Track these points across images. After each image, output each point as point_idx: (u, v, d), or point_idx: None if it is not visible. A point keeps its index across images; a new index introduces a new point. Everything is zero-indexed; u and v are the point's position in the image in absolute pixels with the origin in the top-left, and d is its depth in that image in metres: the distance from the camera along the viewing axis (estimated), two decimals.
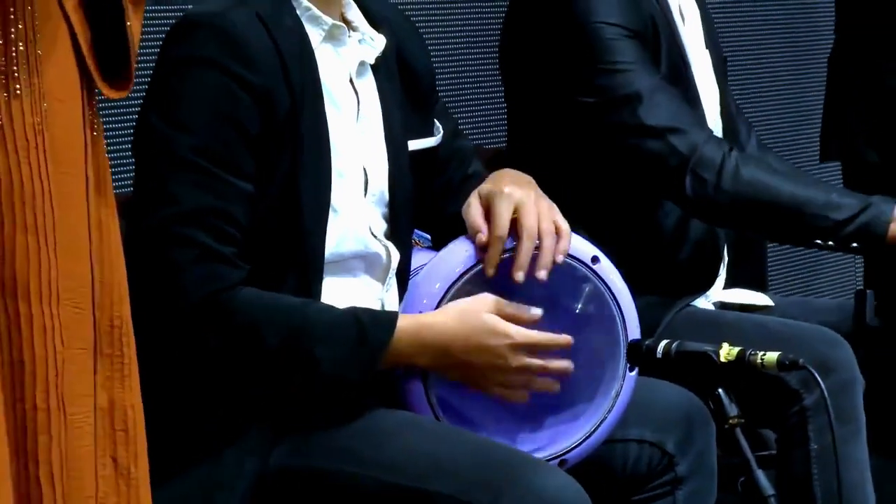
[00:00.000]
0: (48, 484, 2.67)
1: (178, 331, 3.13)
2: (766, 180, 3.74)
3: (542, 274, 3.21)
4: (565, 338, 3.21)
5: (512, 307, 3.20)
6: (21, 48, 2.68)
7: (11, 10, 2.65)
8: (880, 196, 3.72)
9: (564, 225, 3.26)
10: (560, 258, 3.23)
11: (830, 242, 3.75)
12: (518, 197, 3.27)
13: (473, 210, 3.29)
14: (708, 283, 3.89)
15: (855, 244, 3.73)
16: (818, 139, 4.49)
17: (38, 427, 2.67)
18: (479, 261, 3.26)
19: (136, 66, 2.80)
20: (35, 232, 2.67)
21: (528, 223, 3.24)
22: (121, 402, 2.77)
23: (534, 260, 3.22)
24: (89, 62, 2.75)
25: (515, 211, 3.25)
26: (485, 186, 3.31)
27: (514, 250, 3.24)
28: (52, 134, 2.68)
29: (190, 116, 3.14)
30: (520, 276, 3.21)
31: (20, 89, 2.67)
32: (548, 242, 3.23)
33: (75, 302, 2.71)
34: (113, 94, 2.78)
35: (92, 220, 2.75)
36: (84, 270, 2.73)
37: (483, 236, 3.25)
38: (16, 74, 2.66)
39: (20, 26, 2.68)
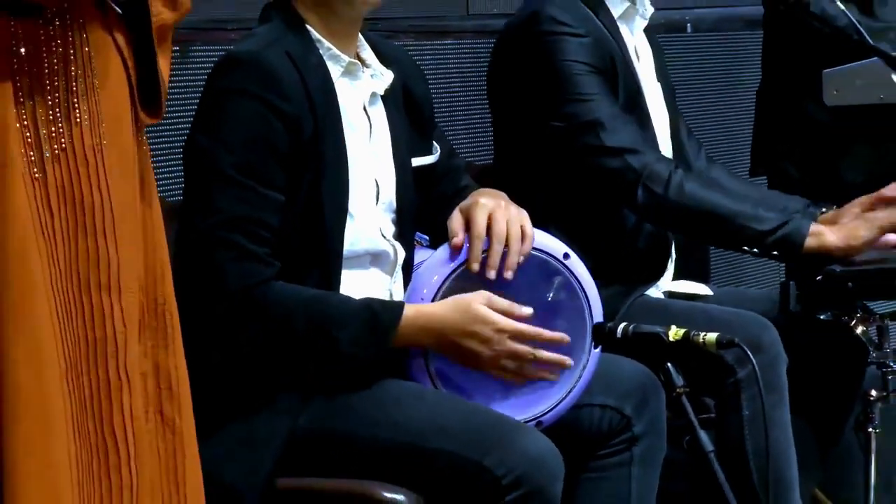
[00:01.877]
0: (123, 432, 2.67)
1: (220, 317, 3.11)
2: (705, 194, 3.72)
3: (508, 274, 3.22)
4: (559, 334, 3.21)
5: (504, 303, 3.18)
6: (80, 81, 2.66)
7: (71, 50, 2.64)
8: (803, 212, 3.72)
9: (529, 230, 3.25)
10: (522, 258, 3.21)
11: (755, 249, 3.75)
12: (491, 206, 3.26)
13: (454, 219, 3.29)
14: (659, 273, 3.85)
15: (775, 252, 3.73)
16: (749, 156, 4.47)
17: (119, 389, 2.66)
18: (464, 260, 3.25)
19: (166, 97, 2.78)
20: (95, 235, 2.66)
21: (498, 229, 3.23)
22: (165, 365, 2.77)
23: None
24: (137, 99, 2.73)
25: (489, 218, 3.25)
26: (465, 202, 3.31)
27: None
28: (109, 151, 2.67)
29: (231, 138, 3.11)
30: (491, 273, 3.22)
31: (79, 117, 2.66)
32: (514, 246, 3.22)
33: (133, 290, 2.70)
34: (149, 120, 2.77)
35: (143, 219, 2.74)
36: (139, 263, 2.72)
37: (458, 240, 3.25)
38: (76, 104, 2.66)
39: (80, 62, 2.67)
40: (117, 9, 2.69)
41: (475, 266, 3.23)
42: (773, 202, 3.81)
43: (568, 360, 3.22)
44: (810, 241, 3.68)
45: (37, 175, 2.61)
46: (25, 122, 2.61)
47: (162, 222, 2.80)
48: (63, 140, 2.64)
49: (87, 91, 2.67)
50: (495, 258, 3.22)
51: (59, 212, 2.63)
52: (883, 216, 3.72)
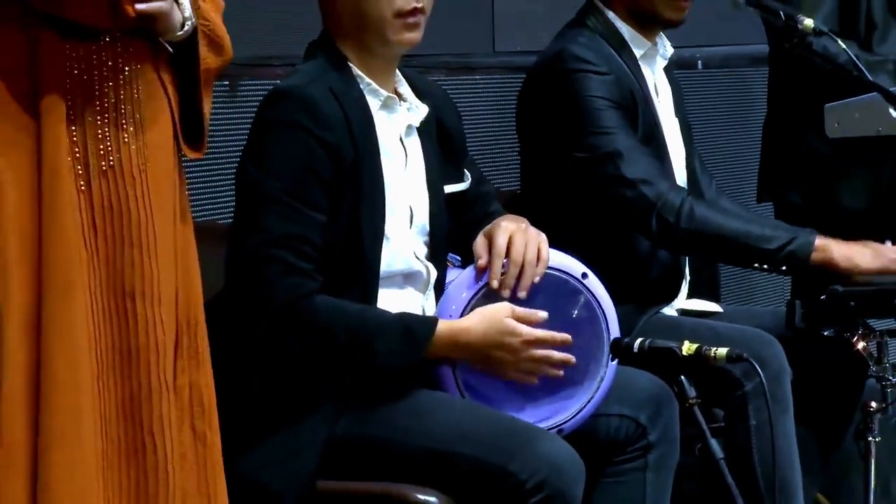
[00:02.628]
0: (161, 436, 2.66)
1: (268, 328, 3.10)
2: (715, 219, 3.70)
3: (522, 293, 3.22)
4: (564, 336, 3.20)
5: (523, 311, 3.18)
6: (128, 106, 2.66)
7: (121, 77, 2.65)
8: (807, 230, 3.70)
9: (545, 253, 3.25)
10: (537, 279, 3.21)
11: (766, 266, 3.74)
12: (511, 229, 3.26)
13: (478, 242, 3.29)
14: (673, 295, 3.84)
15: (784, 267, 3.71)
16: (756, 184, 4.44)
17: (157, 395, 2.65)
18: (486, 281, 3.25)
19: (207, 134, 2.80)
20: (139, 247, 2.66)
21: (515, 251, 3.22)
22: (197, 383, 2.77)
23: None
24: (179, 133, 2.75)
25: (509, 240, 3.25)
26: (488, 226, 3.31)
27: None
28: (152, 174, 2.68)
29: (278, 164, 3.12)
30: (506, 292, 3.21)
31: (127, 138, 2.65)
32: (528, 269, 3.22)
33: (170, 304, 2.70)
34: (192, 155, 2.78)
35: (178, 243, 2.74)
36: (173, 278, 2.71)
37: (482, 262, 3.25)
38: (124, 125, 2.66)
39: (128, 89, 2.67)
40: (168, 48, 2.71)
41: (495, 283, 3.23)
42: (777, 223, 3.81)
43: (572, 357, 3.20)
44: (816, 255, 3.66)
45: (83, 187, 2.62)
46: (75, 138, 2.62)
47: (195, 248, 2.80)
48: (111, 157, 2.64)
49: (133, 116, 2.67)
50: (510, 279, 3.23)
51: (102, 224, 2.64)
52: (891, 257, 3.71)
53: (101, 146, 2.64)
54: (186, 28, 2.70)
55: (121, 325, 2.65)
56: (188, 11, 2.70)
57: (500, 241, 3.24)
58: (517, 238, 3.24)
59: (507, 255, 3.23)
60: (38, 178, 2.58)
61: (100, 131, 2.64)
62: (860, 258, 3.69)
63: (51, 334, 2.56)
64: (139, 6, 2.61)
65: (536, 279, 3.23)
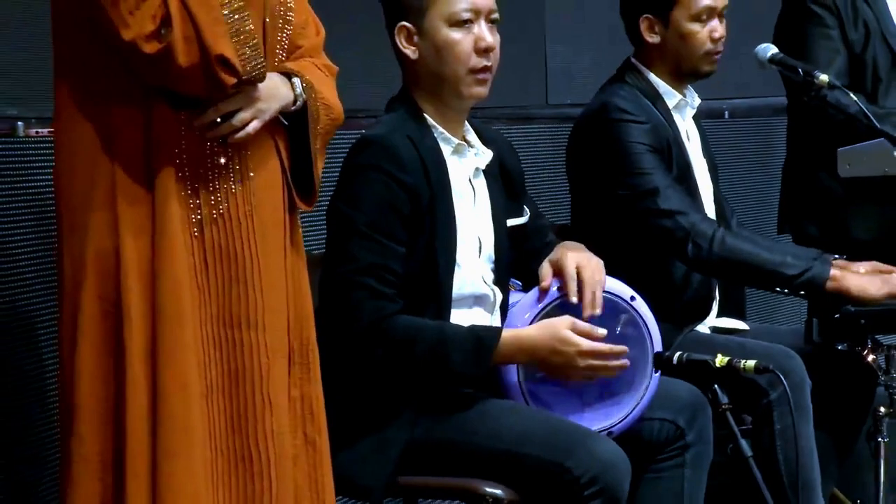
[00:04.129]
0: (265, 446, 2.65)
1: (356, 345, 3.11)
2: (743, 247, 3.68)
3: (597, 311, 3.20)
4: (622, 348, 3.17)
5: (585, 326, 3.16)
6: (235, 162, 2.65)
7: (230, 150, 2.64)
8: (823, 258, 3.68)
9: (604, 277, 3.24)
10: (600, 302, 3.21)
11: (786, 290, 3.73)
12: (578, 257, 3.25)
13: (544, 267, 3.27)
14: (705, 314, 3.83)
15: (802, 292, 3.70)
16: (776, 217, 4.43)
17: (261, 411, 2.65)
18: (551, 301, 3.23)
19: (318, 189, 2.79)
20: (245, 283, 2.65)
21: (586, 276, 3.21)
22: (308, 394, 2.76)
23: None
24: (291, 186, 2.74)
25: (578, 266, 3.24)
26: (554, 254, 3.29)
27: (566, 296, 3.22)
28: (259, 218, 2.67)
29: (364, 204, 3.13)
30: (587, 312, 3.19)
31: (235, 190, 2.65)
32: (598, 291, 3.21)
33: (276, 329, 2.69)
34: (304, 207, 2.78)
35: (289, 272, 2.73)
36: (282, 307, 2.70)
37: (546, 283, 3.23)
38: (232, 178, 2.65)
39: (238, 153, 2.66)
40: (283, 121, 2.72)
41: (574, 299, 3.20)
42: (797, 252, 3.77)
43: (627, 362, 3.17)
44: (831, 284, 3.64)
45: (196, 233, 2.61)
46: (189, 190, 2.61)
47: (307, 277, 2.79)
48: (220, 207, 2.63)
49: (241, 170, 2.66)
50: (589, 298, 3.20)
51: (213, 264, 2.63)
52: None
53: (212, 197, 2.63)
54: (298, 104, 2.71)
55: (229, 351, 2.64)
56: (299, 89, 2.71)
57: (570, 267, 3.22)
58: (584, 264, 3.23)
59: (578, 278, 3.21)
60: (153, 228, 2.57)
61: (210, 185, 2.62)
62: (871, 287, 3.66)
63: (164, 361, 2.56)
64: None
65: (600, 301, 3.21)
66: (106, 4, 2.49)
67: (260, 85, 2.63)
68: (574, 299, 3.20)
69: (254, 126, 2.63)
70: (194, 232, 2.61)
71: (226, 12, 2.53)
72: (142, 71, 2.54)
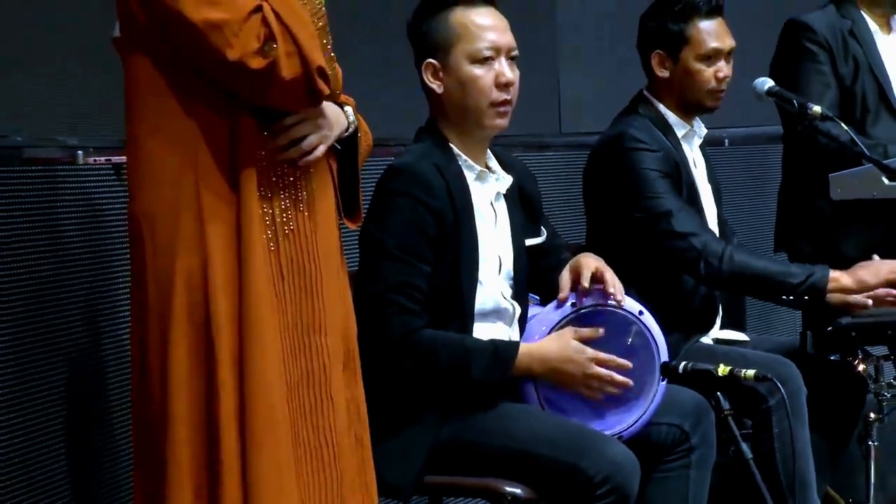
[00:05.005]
0: (332, 440, 2.68)
1: (386, 356, 3.12)
2: (750, 262, 3.68)
3: (621, 298, 3.19)
4: (625, 361, 3.19)
5: (586, 330, 3.18)
6: (303, 183, 2.67)
7: (298, 172, 2.66)
8: (821, 266, 3.70)
9: (620, 286, 3.25)
10: (623, 300, 3.21)
11: (791, 297, 3.73)
12: (595, 264, 3.26)
13: (563, 276, 3.26)
14: (709, 327, 3.83)
15: (805, 297, 3.70)
16: (773, 237, 4.41)
17: (328, 408, 2.68)
18: (569, 314, 3.23)
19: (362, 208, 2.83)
20: (312, 292, 2.66)
21: (608, 278, 3.23)
22: (355, 397, 2.78)
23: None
24: (340, 207, 2.77)
25: (596, 270, 3.23)
26: (573, 264, 3.28)
27: (593, 307, 3.23)
28: (321, 236, 2.69)
29: (394, 226, 3.13)
30: (618, 298, 3.19)
31: (303, 208, 2.66)
32: (618, 287, 3.22)
33: (336, 334, 2.71)
34: (352, 226, 2.80)
35: (341, 287, 2.76)
36: (338, 316, 2.73)
37: (563, 294, 3.23)
38: (300, 198, 2.66)
39: (305, 175, 2.68)
40: (337, 146, 2.75)
41: (587, 301, 3.21)
42: (797, 264, 3.80)
43: (630, 381, 3.18)
44: (832, 285, 3.66)
45: (272, 248, 2.62)
46: (265, 209, 2.62)
47: (349, 290, 2.82)
48: (292, 224, 2.65)
49: (307, 191, 2.68)
50: (614, 288, 3.21)
51: (289, 275, 2.65)
52: (884, 271, 3.70)
53: (284, 215, 2.64)
54: (350, 129, 2.75)
55: (303, 353, 2.66)
56: (352, 117, 2.74)
57: (587, 273, 3.23)
58: (603, 267, 3.24)
59: (602, 277, 3.22)
60: (238, 243, 2.59)
61: (283, 203, 2.63)
62: (866, 277, 3.68)
63: (250, 365, 2.58)
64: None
65: (622, 300, 3.21)
66: (207, 30, 2.48)
67: (327, 112, 2.66)
68: (587, 301, 3.19)
69: (321, 150, 2.66)
70: (271, 247, 2.62)
71: (318, 31, 2.58)
72: (245, 87, 2.54)
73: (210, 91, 2.56)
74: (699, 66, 3.78)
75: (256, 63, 2.49)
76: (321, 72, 2.55)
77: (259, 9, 2.50)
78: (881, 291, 3.71)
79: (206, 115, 2.57)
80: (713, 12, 3.77)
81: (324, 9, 2.60)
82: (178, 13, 2.49)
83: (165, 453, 2.57)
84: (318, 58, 2.54)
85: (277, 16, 2.50)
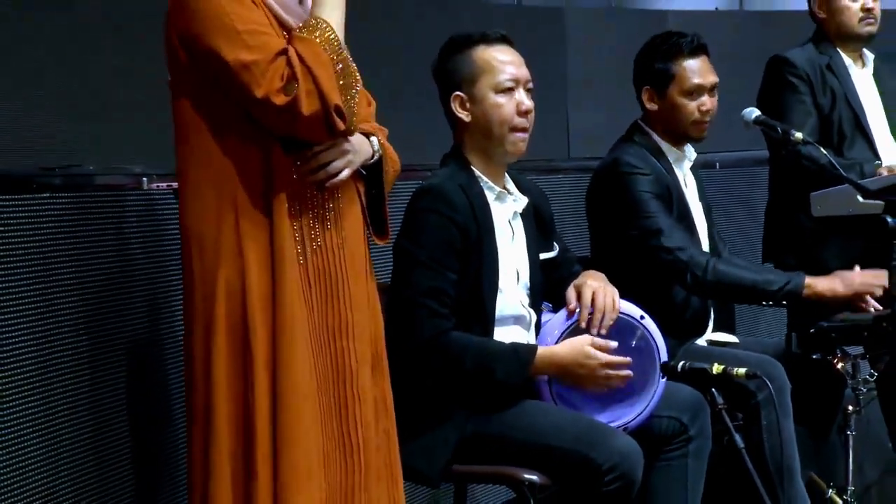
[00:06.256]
0: (357, 433, 2.68)
1: (418, 356, 3.12)
2: (732, 271, 3.68)
3: (603, 331, 3.20)
4: (626, 359, 3.19)
5: (601, 340, 3.19)
6: (330, 202, 2.68)
7: (326, 194, 2.67)
8: (797, 273, 3.70)
9: (617, 303, 3.24)
10: (611, 321, 3.21)
11: (771, 303, 3.74)
12: (595, 286, 3.26)
13: (569, 292, 3.28)
14: (702, 330, 3.82)
15: (784, 301, 3.71)
16: (761, 250, 4.40)
17: (353, 405, 2.68)
18: (574, 320, 3.24)
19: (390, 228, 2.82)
20: (340, 300, 2.67)
21: (598, 302, 3.23)
22: (383, 394, 2.78)
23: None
24: (369, 224, 2.77)
25: (594, 293, 3.26)
26: (578, 280, 3.30)
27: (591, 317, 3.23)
28: (348, 249, 2.69)
29: (424, 240, 3.14)
30: (593, 331, 3.21)
31: (329, 224, 2.67)
32: (607, 314, 3.21)
33: (363, 339, 2.71)
34: (381, 242, 2.81)
35: (369, 295, 2.75)
36: (366, 322, 2.73)
37: (572, 307, 3.24)
38: (327, 217, 2.67)
39: (333, 197, 2.69)
40: (363, 171, 2.75)
41: (583, 324, 3.23)
42: (776, 271, 3.79)
43: (629, 372, 3.17)
44: (807, 291, 3.67)
45: (301, 261, 2.63)
46: (296, 227, 2.63)
47: (378, 298, 2.82)
48: (319, 239, 2.66)
49: (333, 210, 2.69)
50: (595, 320, 3.23)
51: (317, 285, 2.65)
52: (856, 283, 3.70)
53: (313, 232, 2.65)
54: (375, 157, 2.76)
55: (331, 355, 2.67)
56: (377, 146, 2.75)
57: (587, 294, 3.25)
58: (599, 292, 3.25)
59: (592, 303, 3.24)
60: (272, 258, 2.61)
61: (311, 221, 2.65)
62: (838, 287, 3.69)
63: (282, 367, 2.60)
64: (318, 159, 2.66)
65: (611, 321, 3.23)
66: (238, 70, 2.51)
67: (352, 140, 2.68)
68: (583, 324, 3.21)
69: (345, 174, 2.67)
70: (301, 260, 2.63)
71: (337, 72, 2.58)
72: (271, 121, 2.57)
73: (244, 125, 2.58)
74: (683, 100, 3.78)
75: (280, 100, 2.51)
76: (338, 109, 2.55)
77: (285, 51, 2.52)
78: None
79: (242, 147, 2.59)
80: (696, 52, 3.78)
81: (344, 52, 2.58)
82: (216, 53, 2.52)
83: (210, 444, 2.60)
84: (335, 97, 2.54)
85: (300, 58, 2.52)
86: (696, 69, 3.79)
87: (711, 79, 3.81)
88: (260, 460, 2.58)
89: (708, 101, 3.80)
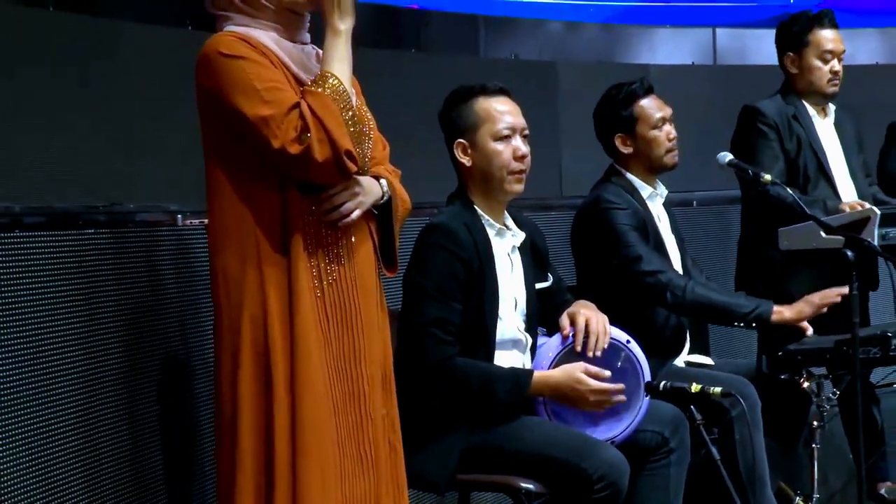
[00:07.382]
0: (371, 449, 2.68)
1: (425, 379, 3.12)
2: (707, 294, 3.69)
3: (598, 353, 3.20)
4: (619, 386, 3.17)
5: (594, 368, 3.17)
6: (345, 245, 2.67)
7: (339, 233, 2.66)
8: (766, 301, 3.70)
9: (607, 329, 3.23)
10: (603, 346, 3.20)
11: (742, 324, 3.72)
12: (587, 313, 3.25)
13: (563, 319, 3.27)
14: (679, 352, 3.80)
15: (754, 324, 3.71)
16: (734, 280, 4.39)
17: (367, 424, 2.69)
18: (568, 344, 3.23)
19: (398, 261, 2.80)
20: (353, 329, 2.67)
21: (591, 328, 3.22)
22: (391, 413, 2.79)
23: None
24: (380, 259, 2.77)
25: (587, 320, 3.24)
26: (571, 308, 3.28)
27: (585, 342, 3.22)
28: (360, 282, 2.69)
29: (431, 272, 3.14)
30: (589, 354, 3.19)
31: (344, 262, 2.67)
32: (599, 339, 3.20)
33: (375, 364, 2.70)
34: (390, 274, 2.80)
35: (380, 325, 2.75)
36: (377, 349, 2.72)
37: (566, 332, 3.23)
38: (341, 254, 2.67)
39: (346, 234, 2.68)
40: (374, 211, 2.75)
41: (578, 348, 3.22)
42: (747, 297, 3.80)
43: (623, 397, 3.16)
44: (775, 317, 3.67)
45: (318, 294, 2.63)
46: (312, 263, 2.63)
47: (388, 326, 2.81)
48: (335, 274, 2.65)
49: (347, 247, 2.68)
50: (591, 344, 3.22)
51: (333, 315, 2.65)
52: (816, 301, 3.71)
53: (328, 268, 2.65)
54: (384, 198, 2.76)
55: (347, 379, 2.67)
56: (385, 188, 2.75)
57: (580, 321, 3.25)
58: (592, 319, 3.24)
59: (586, 329, 3.23)
60: (290, 293, 2.60)
61: (326, 258, 2.65)
62: (805, 309, 3.69)
63: (300, 389, 2.60)
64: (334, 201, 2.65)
65: (604, 345, 3.23)
66: (258, 123, 2.53)
67: (363, 183, 2.67)
68: (578, 348, 3.21)
69: (356, 214, 2.67)
70: (317, 294, 2.63)
71: (346, 120, 2.59)
72: (288, 168, 2.57)
73: (263, 173, 2.58)
74: (654, 133, 3.81)
75: (295, 149, 2.51)
76: (348, 153, 2.55)
77: (297, 105, 2.53)
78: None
79: (262, 192, 2.60)
80: (647, 92, 3.83)
81: (352, 101, 2.59)
82: (238, 110, 2.54)
83: (235, 458, 2.60)
84: (345, 143, 2.54)
85: (312, 110, 2.53)
86: (654, 105, 3.84)
87: (668, 110, 3.88)
88: (278, 474, 2.58)
89: (671, 130, 3.84)
